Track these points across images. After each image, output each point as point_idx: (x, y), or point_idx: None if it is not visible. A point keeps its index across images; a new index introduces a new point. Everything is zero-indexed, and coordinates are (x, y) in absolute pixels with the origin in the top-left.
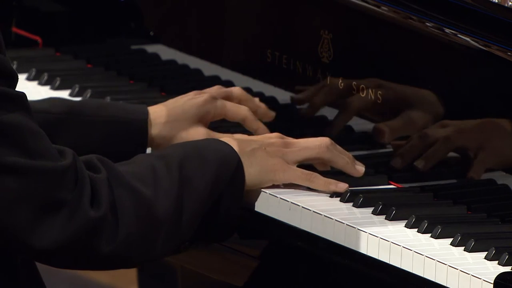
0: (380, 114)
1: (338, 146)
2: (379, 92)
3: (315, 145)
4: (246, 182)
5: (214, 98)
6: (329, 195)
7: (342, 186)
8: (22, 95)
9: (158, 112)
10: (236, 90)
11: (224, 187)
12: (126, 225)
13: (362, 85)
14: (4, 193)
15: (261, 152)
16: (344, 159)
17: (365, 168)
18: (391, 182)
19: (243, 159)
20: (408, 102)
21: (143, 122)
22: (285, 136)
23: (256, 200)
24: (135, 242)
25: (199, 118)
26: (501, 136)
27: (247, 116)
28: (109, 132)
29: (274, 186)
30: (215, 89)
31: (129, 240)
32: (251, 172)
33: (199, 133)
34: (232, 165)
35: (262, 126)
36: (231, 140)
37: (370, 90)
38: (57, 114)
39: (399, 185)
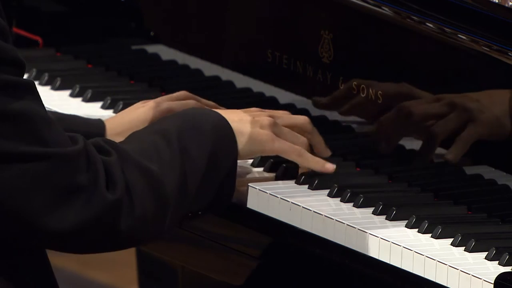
0: (380, 114)
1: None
2: (379, 92)
3: (301, 116)
4: (238, 151)
5: (157, 103)
6: (329, 195)
7: (330, 167)
8: (32, 83)
9: (111, 125)
10: (181, 93)
11: (220, 157)
12: (141, 204)
13: (362, 85)
14: (19, 181)
15: (250, 121)
16: (320, 137)
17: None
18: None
19: (234, 128)
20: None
21: (101, 136)
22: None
23: (256, 200)
24: (149, 220)
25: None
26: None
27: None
28: None
29: (274, 187)
30: (160, 98)
31: (145, 219)
32: (242, 141)
33: None
34: (225, 134)
35: None
36: (220, 110)
37: (370, 90)
38: None
39: None
